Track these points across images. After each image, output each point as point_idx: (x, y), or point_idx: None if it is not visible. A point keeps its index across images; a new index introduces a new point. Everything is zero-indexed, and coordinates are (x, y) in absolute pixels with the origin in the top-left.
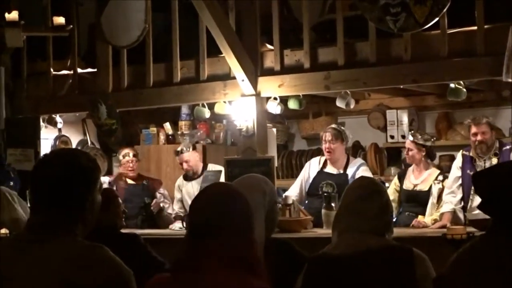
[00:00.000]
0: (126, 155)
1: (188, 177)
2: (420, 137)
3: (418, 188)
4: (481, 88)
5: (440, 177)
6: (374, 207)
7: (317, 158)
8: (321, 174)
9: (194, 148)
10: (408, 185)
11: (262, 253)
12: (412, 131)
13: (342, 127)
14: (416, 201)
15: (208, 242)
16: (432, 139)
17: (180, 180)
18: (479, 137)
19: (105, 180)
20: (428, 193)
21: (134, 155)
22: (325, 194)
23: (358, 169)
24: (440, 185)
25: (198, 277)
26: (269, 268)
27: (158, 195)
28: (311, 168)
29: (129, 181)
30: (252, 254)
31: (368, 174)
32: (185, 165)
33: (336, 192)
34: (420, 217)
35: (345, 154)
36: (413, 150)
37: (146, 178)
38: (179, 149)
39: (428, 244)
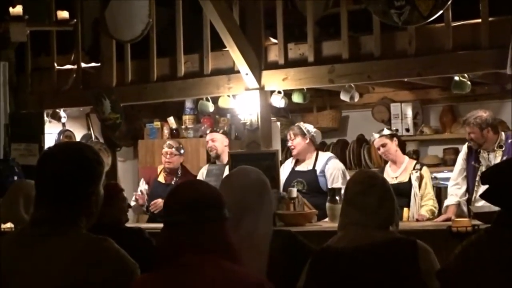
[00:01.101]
0: (166, 145)
1: (212, 163)
2: (386, 129)
3: (398, 180)
4: (485, 81)
5: (418, 166)
6: (373, 201)
7: (290, 159)
8: (292, 173)
9: (225, 134)
10: (388, 180)
11: (268, 246)
12: (376, 132)
13: (306, 125)
14: (399, 193)
15: (186, 235)
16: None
17: (204, 168)
18: (467, 137)
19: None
20: (409, 184)
21: (174, 148)
22: (329, 188)
23: (327, 163)
24: (418, 174)
25: (182, 272)
26: (274, 260)
27: None
28: (285, 169)
29: (159, 179)
30: (231, 242)
31: (338, 166)
32: (210, 143)
33: (308, 190)
34: (405, 210)
35: (314, 150)
36: (386, 144)
37: (180, 175)
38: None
39: (433, 237)
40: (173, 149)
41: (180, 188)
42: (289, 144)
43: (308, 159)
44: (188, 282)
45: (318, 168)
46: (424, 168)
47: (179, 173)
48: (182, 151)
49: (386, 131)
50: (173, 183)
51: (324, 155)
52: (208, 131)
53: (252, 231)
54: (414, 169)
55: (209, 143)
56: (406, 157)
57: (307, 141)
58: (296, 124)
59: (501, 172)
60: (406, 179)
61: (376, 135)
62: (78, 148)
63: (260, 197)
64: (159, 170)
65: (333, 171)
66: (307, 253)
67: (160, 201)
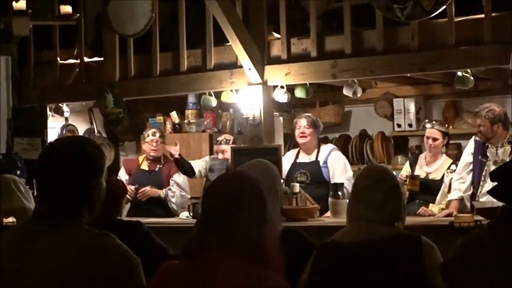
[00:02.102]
0: (150, 134)
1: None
2: (445, 126)
3: (431, 176)
4: (488, 77)
5: (453, 167)
6: (380, 196)
7: (290, 151)
8: (294, 165)
9: (234, 143)
10: (420, 173)
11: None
12: (434, 121)
13: (317, 118)
14: (428, 189)
15: (221, 232)
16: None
17: (208, 157)
18: (476, 128)
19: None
20: (440, 182)
21: (159, 136)
22: (332, 183)
23: (330, 155)
24: (452, 175)
25: (209, 266)
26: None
27: (171, 182)
28: (286, 161)
29: (142, 166)
30: (263, 244)
31: (340, 157)
32: (220, 155)
33: (311, 181)
34: (431, 206)
35: (317, 142)
36: (438, 139)
37: (164, 162)
38: (220, 139)
39: (435, 232)
40: (157, 136)
41: (219, 183)
42: (301, 130)
43: (312, 151)
44: (202, 277)
45: (321, 159)
46: None
47: (162, 160)
48: (164, 139)
49: (442, 128)
50: (156, 169)
51: (326, 147)
52: (222, 141)
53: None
54: (449, 169)
55: (218, 154)
56: (444, 155)
57: (317, 134)
58: (310, 115)
59: (510, 170)
60: (439, 177)
61: (430, 125)
62: (79, 142)
63: (270, 190)
64: (140, 160)
65: (335, 162)
66: (310, 249)
67: (148, 189)
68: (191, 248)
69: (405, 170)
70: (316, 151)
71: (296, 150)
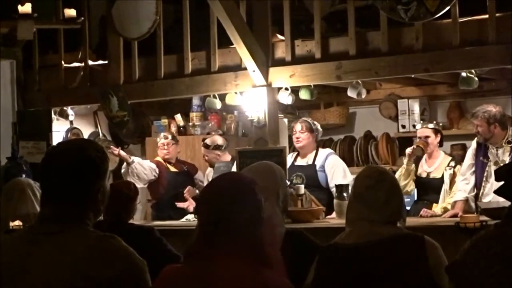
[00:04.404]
0: (162, 137)
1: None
2: (433, 123)
3: (431, 175)
4: (492, 77)
5: (452, 163)
6: (381, 196)
7: (290, 154)
8: (292, 167)
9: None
10: (421, 172)
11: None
12: (422, 121)
13: (315, 122)
14: (431, 188)
15: (219, 233)
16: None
17: (209, 170)
18: (475, 129)
19: (151, 166)
20: (441, 180)
21: (171, 138)
22: (337, 184)
23: (327, 159)
24: (451, 171)
25: (211, 268)
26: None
27: (196, 181)
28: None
29: (171, 168)
30: (262, 244)
31: (339, 161)
32: (205, 157)
33: (306, 184)
34: (435, 205)
35: (315, 147)
36: (430, 136)
37: (184, 163)
38: (208, 142)
39: (441, 233)
40: (169, 139)
41: (218, 184)
42: (297, 135)
43: (309, 154)
44: (205, 279)
45: (318, 163)
46: (458, 166)
47: (182, 161)
48: (177, 140)
49: (431, 125)
50: (185, 168)
51: (323, 151)
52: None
53: (270, 215)
54: (448, 165)
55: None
56: (442, 153)
57: (314, 138)
58: (306, 119)
59: None
60: (439, 175)
61: (420, 125)
62: (82, 146)
63: (269, 191)
64: (165, 163)
65: (333, 166)
66: (314, 250)
67: (191, 188)
68: (193, 251)
69: (403, 168)
70: (313, 155)
71: (295, 153)
